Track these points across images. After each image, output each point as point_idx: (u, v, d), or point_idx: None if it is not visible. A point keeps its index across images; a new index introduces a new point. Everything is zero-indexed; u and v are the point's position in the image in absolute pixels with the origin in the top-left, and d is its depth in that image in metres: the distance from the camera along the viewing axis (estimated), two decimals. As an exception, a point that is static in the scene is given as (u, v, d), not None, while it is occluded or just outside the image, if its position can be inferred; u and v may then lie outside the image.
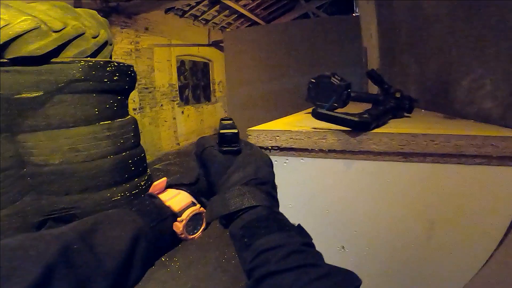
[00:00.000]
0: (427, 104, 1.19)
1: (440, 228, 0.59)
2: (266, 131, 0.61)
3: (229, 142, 0.42)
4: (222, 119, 0.45)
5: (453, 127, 0.65)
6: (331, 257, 0.68)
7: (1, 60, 1.58)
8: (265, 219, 0.35)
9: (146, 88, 5.46)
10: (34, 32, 1.62)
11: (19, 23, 1.60)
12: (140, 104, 5.28)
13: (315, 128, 0.60)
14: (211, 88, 7.99)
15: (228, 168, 0.41)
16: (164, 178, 0.45)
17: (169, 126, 6.18)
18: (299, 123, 0.73)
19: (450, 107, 0.97)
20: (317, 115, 0.56)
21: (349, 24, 4.51)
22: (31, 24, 1.62)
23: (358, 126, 0.55)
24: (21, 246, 0.29)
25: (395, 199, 0.61)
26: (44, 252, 0.28)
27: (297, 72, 4.91)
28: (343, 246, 0.67)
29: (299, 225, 0.37)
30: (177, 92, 6.47)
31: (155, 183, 0.44)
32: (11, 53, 1.60)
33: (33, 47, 1.60)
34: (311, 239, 0.36)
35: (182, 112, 6.65)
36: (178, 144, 6.47)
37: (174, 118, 6.34)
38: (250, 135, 0.63)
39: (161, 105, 5.90)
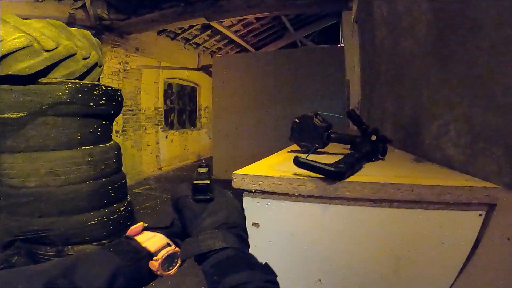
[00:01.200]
0: (401, 143, 1.26)
1: (405, 263, 0.65)
2: (250, 176, 0.66)
3: (202, 192, 0.46)
4: (199, 166, 0.50)
5: (418, 175, 0.71)
6: None
7: (-13, 78, 1.56)
8: (233, 259, 0.40)
9: (131, 110, 5.39)
10: (25, 50, 1.61)
11: (12, 40, 1.59)
12: (123, 126, 5.18)
13: (295, 175, 0.65)
14: (197, 114, 7.97)
15: (201, 214, 0.45)
16: (141, 223, 0.50)
17: (152, 150, 6.08)
18: (281, 166, 0.77)
19: (420, 149, 1.04)
20: (297, 163, 0.61)
21: (334, 55, 4.74)
22: (23, 42, 1.61)
23: (334, 176, 0.60)
24: (6, 281, 0.31)
25: (366, 238, 0.67)
26: (30, 286, 0.31)
27: (283, 101, 5.05)
28: (319, 279, 0.71)
29: (266, 263, 0.41)
30: (162, 116, 6.42)
31: (133, 227, 0.48)
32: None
33: (23, 65, 1.59)
34: (276, 276, 0.40)
35: (166, 137, 6.58)
36: (160, 169, 6.33)
37: (157, 143, 6.25)
38: (235, 178, 0.67)
39: (145, 129, 5.83)
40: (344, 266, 0.69)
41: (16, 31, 1.64)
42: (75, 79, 1.79)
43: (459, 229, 0.62)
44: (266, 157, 0.97)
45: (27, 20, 1.77)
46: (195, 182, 0.46)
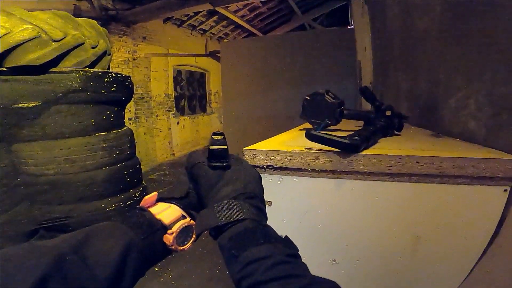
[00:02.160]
0: (417, 120, 1.23)
1: (425, 242, 0.63)
2: (261, 151, 0.64)
3: (219, 158, 0.44)
4: (214, 134, 0.47)
5: (437, 148, 0.68)
6: (323, 269, 0.71)
7: (0, 69, 1.59)
8: (252, 231, 0.37)
9: (142, 98, 5.45)
10: (34, 41, 1.62)
11: (20, 32, 1.60)
12: (135, 114, 5.27)
13: (308, 149, 0.63)
14: (207, 99, 7.99)
15: (218, 183, 0.42)
16: (155, 192, 0.47)
17: (164, 136, 6.16)
18: (293, 142, 0.76)
19: (438, 124, 1.01)
20: (310, 137, 0.59)
21: (344, 37, 4.60)
22: (31, 33, 1.62)
23: (349, 148, 0.58)
24: (16, 256, 0.30)
25: (383, 215, 0.64)
26: (39, 263, 0.30)
27: (293, 84, 4.98)
28: (334, 259, 0.70)
29: (286, 236, 0.39)
30: (173, 103, 6.46)
31: (146, 197, 0.46)
32: (10, 62, 1.61)
33: (33, 56, 1.61)
34: (297, 250, 0.38)
35: (178, 123, 6.63)
36: (173, 154, 6.43)
37: (170, 129, 6.32)
38: (246, 154, 0.66)
39: (157, 115, 5.88)
40: (359, 245, 0.68)
41: (23, 23, 1.66)
42: (85, 67, 1.81)
43: (482, 206, 0.59)
44: (277, 138, 0.95)
45: (33, 12, 1.78)
46: (211, 147, 0.44)
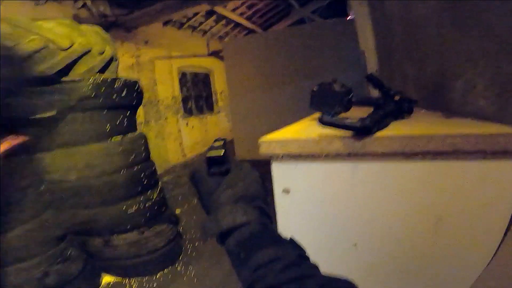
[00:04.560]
0: (427, 103, 1.23)
1: (447, 223, 0.63)
2: (276, 140, 0.67)
3: (216, 164, 0.44)
4: (215, 140, 0.48)
5: (449, 127, 0.70)
6: (344, 254, 0.72)
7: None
8: (258, 234, 0.37)
9: (150, 102, 5.51)
10: (43, 52, 1.64)
11: (28, 43, 1.61)
12: (145, 118, 5.34)
13: (321, 135, 0.65)
14: (213, 98, 8.04)
15: (217, 189, 0.42)
16: None
17: (175, 138, 6.22)
18: (306, 130, 0.78)
19: (448, 106, 1.01)
20: (323, 122, 0.62)
21: (344, 27, 4.59)
22: (39, 44, 1.63)
23: (361, 131, 0.60)
24: None
25: (401, 196, 0.65)
26: None
27: (298, 77, 4.98)
28: (355, 244, 0.71)
29: (291, 238, 0.39)
30: (181, 104, 6.52)
31: None
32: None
33: (44, 66, 1.63)
34: (305, 251, 0.38)
35: (187, 124, 6.69)
36: (185, 155, 6.50)
37: (179, 130, 6.38)
38: (262, 145, 0.69)
39: (166, 118, 5.95)
40: (380, 229, 0.68)
41: (29, 33, 1.66)
42: (95, 74, 1.84)
43: (499, 180, 0.59)
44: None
45: (37, 22, 1.79)
46: (209, 155, 0.44)
